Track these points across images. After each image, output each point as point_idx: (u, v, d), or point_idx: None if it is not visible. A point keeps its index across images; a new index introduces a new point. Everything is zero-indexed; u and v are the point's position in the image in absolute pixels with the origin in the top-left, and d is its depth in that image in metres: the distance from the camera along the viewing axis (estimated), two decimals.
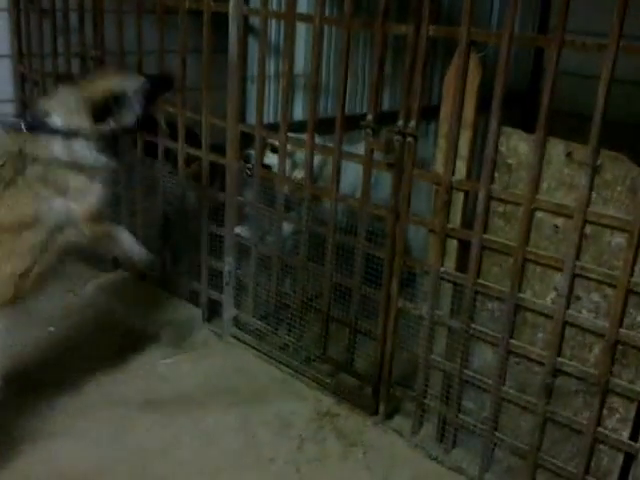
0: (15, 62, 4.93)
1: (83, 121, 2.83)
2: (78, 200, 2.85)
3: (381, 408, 3.38)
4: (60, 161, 2.79)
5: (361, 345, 3.49)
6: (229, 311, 3.99)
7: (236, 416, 3.38)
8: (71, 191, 2.83)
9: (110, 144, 2.93)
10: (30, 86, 4.93)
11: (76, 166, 2.81)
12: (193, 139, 3.91)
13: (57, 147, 2.79)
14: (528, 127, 2.68)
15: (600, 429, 2.68)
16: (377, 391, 3.37)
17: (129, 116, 2.93)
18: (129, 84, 2.97)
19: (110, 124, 2.87)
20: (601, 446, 2.71)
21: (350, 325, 3.44)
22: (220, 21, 3.57)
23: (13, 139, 2.79)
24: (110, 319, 4.05)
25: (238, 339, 3.98)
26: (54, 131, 2.79)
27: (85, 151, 2.84)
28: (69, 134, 2.79)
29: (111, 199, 3.08)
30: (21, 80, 4.99)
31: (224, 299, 3.99)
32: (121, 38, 4.11)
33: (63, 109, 2.84)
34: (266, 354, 3.84)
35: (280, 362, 3.78)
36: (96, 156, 2.87)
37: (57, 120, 2.82)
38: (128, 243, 3.20)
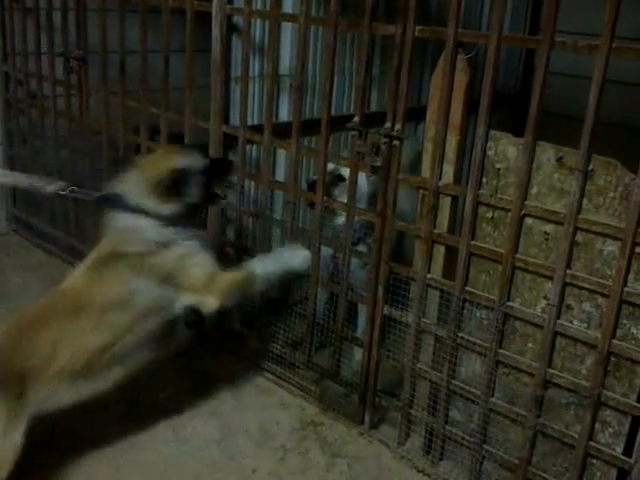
0: None
1: (152, 204, 2.79)
2: (185, 274, 2.83)
3: (367, 417, 3.30)
4: (155, 243, 2.78)
5: (347, 352, 3.44)
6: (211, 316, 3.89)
7: (217, 425, 3.29)
8: (169, 272, 2.81)
9: (184, 221, 2.87)
10: (14, 85, 4.87)
11: (159, 246, 2.79)
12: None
13: (142, 233, 2.78)
14: (519, 130, 2.60)
15: (592, 443, 2.60)
16: (363, 400, 3.29)
17: (194, 195, 2.87)
18: (191, 161, 2.91)
19: (177, 203, 2.83)
20: (594, 461, 2.63)
21: (336, 332, 3.36)
22: (204, 20, 3.50)
23: (115, 219, 2.82)
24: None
25: (221, 345, 3.88)
26: (131, 208, 2.78)
27: (165, 231, 2.80)
28: (145, 213, 2.78)
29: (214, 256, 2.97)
30: (5, 79, 4.93)
31: None
32: (104, 37, 4.04)
33: (137, 192, 2.81)
34: (250, 360, 3.75)
35: (264, 369, 3.69)
36: (174, 235, 2.82)
37: (134, 202, 2.79)
38: (270, 265, 3.04)
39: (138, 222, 2.77)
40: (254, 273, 2.98)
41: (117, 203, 2.81)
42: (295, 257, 3.05)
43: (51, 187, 3.03)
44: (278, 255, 3.11)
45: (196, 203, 2.92)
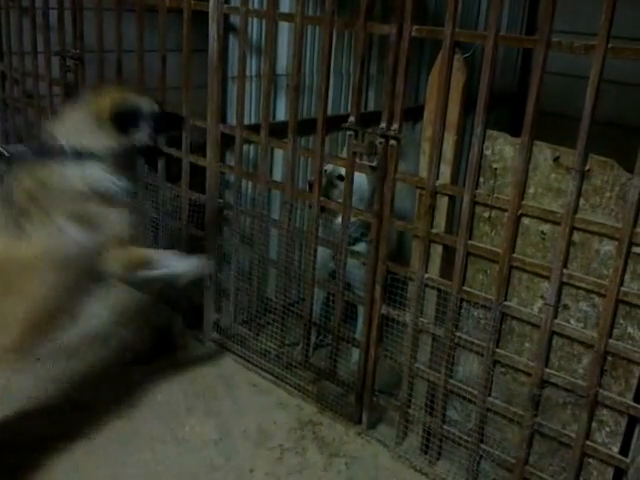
0: None
1: (96, 140, 2.64)
2: (103, 229, 2.65)
3: (364, 417, 3.30)
4: (77, 189, 2.58)
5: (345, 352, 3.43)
6: (210, 315, 3.90)
7: (214, 425, 3.29)
8: (94, 221, 2.63)
9: (125, 165, 2.75)
10: (10, 84, 4.85)
11: (95, 193, 2.61)
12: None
13: (71, 174, 2.58)
14: (517, 130, 2.59)
15: (589, 443, 2.60)
16: (360, 399, 3.29)
17: (143, 135, 2.77)
18: (143, 102, 2.82)
19: (129, 138, 2.71)
20: (590, 460, 2.63)
21: (333, 332, 3.36)
22: (201, 19, 3.49)
23: (25, 169, 2.60)
24: (87, 324, 3.93)
25: (219, 344, 3.89)
26: (66, 156, 2.59)
27: (101, 175, 2.63)
28: (82, 157, 2.60)
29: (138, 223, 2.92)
30: (1, 78, 4.92)
31: (205, 303, 3.90)
32: (101, 36, 4.03)
33: (72, 131, 2.65)
34: (247, 360, 3.75)
35: (261, 368, 3.69)
36: (114, 179, 2.67)
37: (67, 144, 2.61)
38: (173, 262, 2.94)
39: (70, 169, 2.57)
40: (158, 259, 2.90)
41: (52, 149, 2.60)
42: (192, 265, 2.97)
43: None
44: (181, 260, 2.97)
45: (138, 148, 2.78)
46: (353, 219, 3.18)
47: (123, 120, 2.70)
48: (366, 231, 3.20)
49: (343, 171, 3.25)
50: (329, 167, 3.41)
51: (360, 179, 3.18)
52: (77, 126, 2.67)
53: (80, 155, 2.60)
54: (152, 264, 2.88)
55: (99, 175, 2.63)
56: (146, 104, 2.82)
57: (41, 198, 2.53)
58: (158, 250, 3.05)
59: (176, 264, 2.94)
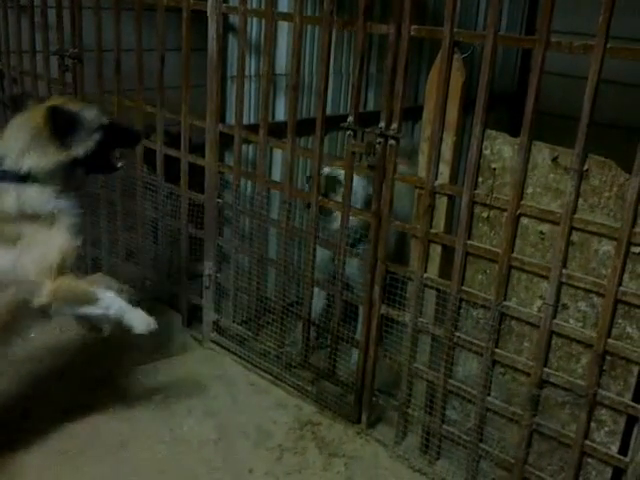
0: None
1: (33, 157, 2.52)
2: (31, 253, 2.52)
3: (364, 417, 3.30)
4: (9, 211, 2.48)
5: (345, 352, 3.44)
6: (209, 316, 3.90)
7: (214, 425, 3.29)
8: (23, 243, 2.50)
9: (68, 180, 2.63)
10: (9, 83, 4.84)
11: (30, 215, 2.50)
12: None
13: (7, 196, 2.49)
14: (516, 130, 2.59)
15: (588, 442, 2.61)
16: (360, 399, 3.29)
17: (86, 147, 2.63)
18: (88, 113, 2.68)
19: (70, 151, 2.57)
20: (589, 460, 2.64)
21: (332, 332, 3.36)
22: (200, 19, 3.48)
23: None
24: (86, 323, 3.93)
25: (218, 344, 3.88)
26: (4, 177, 2.50)
27: (40, 197, 2.53)
28: (18, 178, 2.49)
29: (80, 251, 2.72)
30: None
31: (204, 303, 3.90)
32: (99, 35, 4.02)
33: (10, 149, 2.55)
34: (246, 360, 3.75)
35: (261, 368, 3.69)
36: (52, 200, 2.56)
37: (8, 162, 2.52)
38: (115, 308, 2.76)
39: (7, 192, 2.49)
40: (97, 296, 2.71)
41: None
42: (139, 320, 2.81)
43: None
44: (128, 307, 2.80)
45: (82, 160, 2.64)
46: (353, 220, 3.17)
47: (61, 130, 2.57)
48: (366, 232, 3.20)
49: (341, 177, 3.23)
50: (327, 170, 3.42)
51: (355, 184, 3.17)
52: (14, 143, 2.56)
53: (16, 175, 2.50)
54: (90, 300, 2.70)
55: (34, 195, 2.52)
56: (92, 114, 2.70)
57: None
58: (98, 285, 2.85)
59: (121, 311, 2.77)
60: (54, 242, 2.57)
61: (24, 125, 2.59)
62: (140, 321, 2.81)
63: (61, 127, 2.56)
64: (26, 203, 2.52)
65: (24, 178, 2.52)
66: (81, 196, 2.77)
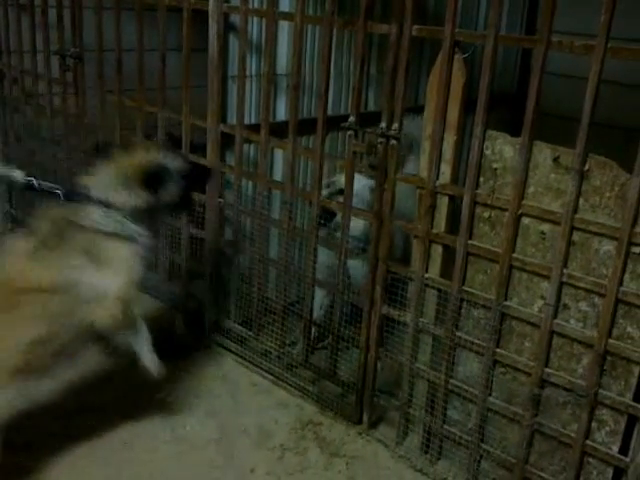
0: None
1: (122, 197, 2.73)
2: (115, 272, 2.70)
3: (365, 417, 3.30)
4: (101, 231, 2.68)
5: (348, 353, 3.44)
6: (210, 316, 3.90)
7: (215, 425, 3.29)
8: (108, 263, 2.69)
9: (149, 220, 2.84)
10: (9, 83, 4.84)
11: (116, 236, 2.70)
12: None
13: (98, 217, 2.69)
14: (517, 130, 2.59)
15: (589, 442, 2.61)
16: (361, 399, 3.29)
17: (170, 193, 2.84)
18: (172, 162, 2.87)
19: (154, 197, 2.78)
20: (590, 459, 2.64)
21: (333, 332, 3.36)
22: (201, 18, 3.49)
23: (55, 207, 2.74)
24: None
25: (220, 345, 3.88)
26: (92, 201, 2.70)
27: (123, 222, 2.72)
28: (107, 205, 2.70)
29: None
30: (0, 77, 4.90)
31: (205, 303, 3.90)
32: (100, 35, 4.02)
33: (101, 186, 2.74)
34: (248, 360, 3.75)
35: (262, 368, 3.69)
36: (136, 228, 2.76)
37: (94, 192, 2.72)
38: (143, 343, 2.94)
39: (95, 211, 2.69)
40: (138, 328, 2.90)
41: (81, 195, 2.72)
42: (152, 363, 2.98)
43: (18, 175, 2.89)
44: (149, 347, 2.97)
45: (167, 204, 2.87)
46: (358, 227, 3.16)
47: (152, 184, 2.77)
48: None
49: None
50: (330, 179, 3.43)
51: (360, 189, 3.18)
52: (105, 182, 2.75)
53: (101, 201, 2.70)
54: (132, 329, 2.88)
55: (122, 221, 2.72)
56: (174, 163, 2.88)
57: (63, 234, 2.65)
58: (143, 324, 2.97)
59: (142, 347, 2.94)
60: (130, 265, 2.75)
61: (115, 172, 2.77)
62: (152, 364, 2.99)
63: (152, 182, 2.77)
64: (110, 225, 2.70)
65: (109, 205, 2.71)
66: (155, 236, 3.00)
